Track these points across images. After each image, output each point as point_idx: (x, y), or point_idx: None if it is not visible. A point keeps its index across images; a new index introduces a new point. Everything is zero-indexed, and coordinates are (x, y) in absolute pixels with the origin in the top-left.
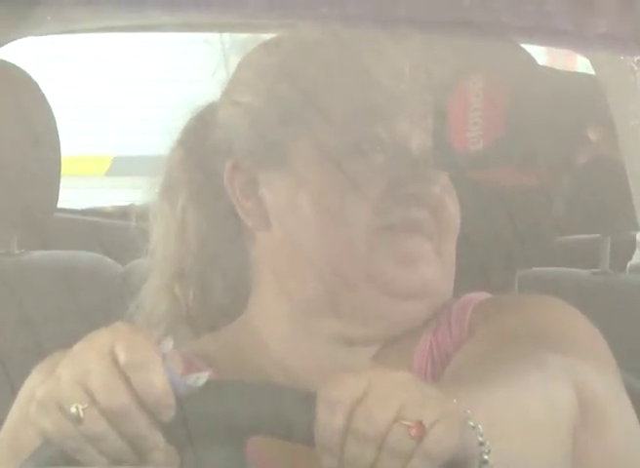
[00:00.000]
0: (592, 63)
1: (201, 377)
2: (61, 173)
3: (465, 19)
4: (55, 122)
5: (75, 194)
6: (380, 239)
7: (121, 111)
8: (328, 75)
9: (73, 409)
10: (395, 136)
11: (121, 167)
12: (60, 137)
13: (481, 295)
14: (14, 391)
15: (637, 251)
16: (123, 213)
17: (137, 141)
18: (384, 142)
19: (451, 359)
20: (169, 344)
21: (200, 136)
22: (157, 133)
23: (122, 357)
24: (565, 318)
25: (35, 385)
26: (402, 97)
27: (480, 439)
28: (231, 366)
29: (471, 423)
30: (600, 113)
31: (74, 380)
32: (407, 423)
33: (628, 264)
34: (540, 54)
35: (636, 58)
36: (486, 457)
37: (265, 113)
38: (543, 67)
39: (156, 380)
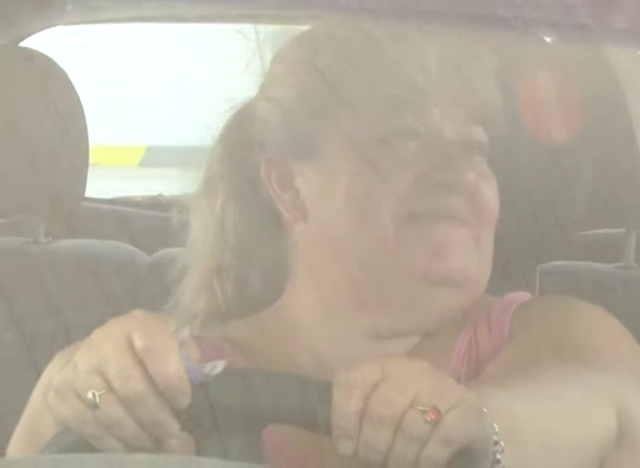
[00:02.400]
0: (612, 58)
1: (217, 366)
2: (94, 162)
3: (485, 13)
4: (83, 111)
5: (107, 184)
6: (412, 227)
7: (154, 102)
8: (357, 67)
9: (90, 396)
10: (427, 124)
11: (153, 158)
12: (92, 127)
13: (523, 297)
14: (40, 376)
15: None
16: (151, 203)
17: (168, 133)
18: (417, 131)
19: (487, 359)
20: (185, 332)
21: (239, 132)
22: (189, 124)
23: (138, 344)
24: (612, 334)
25: (54, 372)
26: (432, 86)
27: (495, 438)
28: (261, 352)
29: (487, 419)
30: (620, 108)
31: (91, 367)
32: (423, 408)
33: None
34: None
35: None
36: (499, 457)
37: (296, 106)
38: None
39: (172, 368)
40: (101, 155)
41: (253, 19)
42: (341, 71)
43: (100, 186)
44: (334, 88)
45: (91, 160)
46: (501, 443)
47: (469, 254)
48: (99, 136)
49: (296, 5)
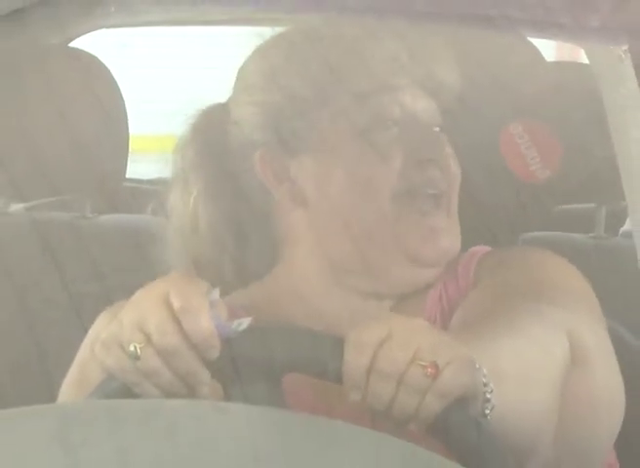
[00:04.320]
0: (587, 53)
1: (243, 322)
2: (134, 149)
3: (471, 12)
4: (124, 103)
5: (145, 168)
6: (405, 205)
7: (185, 96)
8: (332, 63)
9: (132, 348)
10: (403, 111)
11: None
12: (132, 118)
13: (484, 249)
14: (87, 332)
15: (629, 218)
16: None
17: None
18: (396, 119)
19: (457, 307)
20: (216, 293)
21: (212, 135)
22: None
23: (175, 303)
24: (561, 272)
25: (100, 327)
26: (403, 76)
27: (484, 380)
28: (267, 314)
29: (476, 365)
30: (594, 96)
31: (133, 323)
32: (423, 363)
33: (620, 230)
34: (549, 48)
35: (624, 48)
36: (488, 396)
37: (281, 107)
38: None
39: (204, 324)
40: (141, 143)
41: (274, 21)
42: (320, 67)
43: (139, 169)
44: (315, 84)
45: (131, 147)
46: (490, 384)
47: (448, 232)
48: (138, 126)
49: (284, 8)
